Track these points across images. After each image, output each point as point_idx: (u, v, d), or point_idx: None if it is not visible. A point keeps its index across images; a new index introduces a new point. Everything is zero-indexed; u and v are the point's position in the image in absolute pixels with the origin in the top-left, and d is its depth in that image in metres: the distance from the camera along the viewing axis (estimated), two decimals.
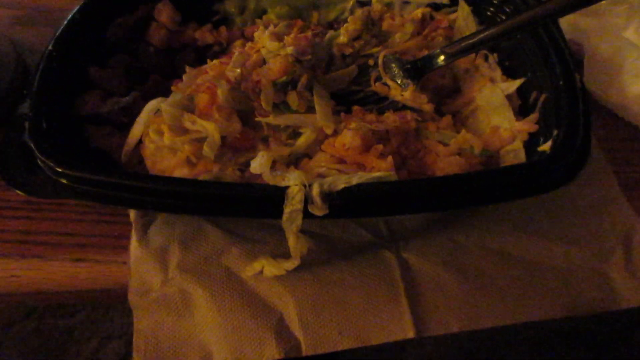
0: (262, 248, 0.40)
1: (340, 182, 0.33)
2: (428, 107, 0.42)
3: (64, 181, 0.35)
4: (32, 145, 0.35)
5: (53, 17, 0.57)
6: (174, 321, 0.37)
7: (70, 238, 0.41)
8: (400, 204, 0.33)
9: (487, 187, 0.33)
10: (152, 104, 0.38)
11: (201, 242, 0.40)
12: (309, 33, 0.43)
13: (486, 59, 0.46)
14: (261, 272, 0.38)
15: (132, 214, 0.41)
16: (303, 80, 0.40)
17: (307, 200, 0.33)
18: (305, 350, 0.36)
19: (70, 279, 0.39)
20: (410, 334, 0.36)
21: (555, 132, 0.37)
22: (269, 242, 0.40)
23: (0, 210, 0.42)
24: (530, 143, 0.40)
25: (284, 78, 0.39)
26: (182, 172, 0.37)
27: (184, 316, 0.37)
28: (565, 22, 0.41)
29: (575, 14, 0.43)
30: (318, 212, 0.32)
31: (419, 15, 0.47)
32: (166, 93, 0.42)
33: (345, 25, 0.44)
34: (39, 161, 0.35)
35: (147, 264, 0.39)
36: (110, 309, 1.11)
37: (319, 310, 0.37)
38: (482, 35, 0.40)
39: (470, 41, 0.41)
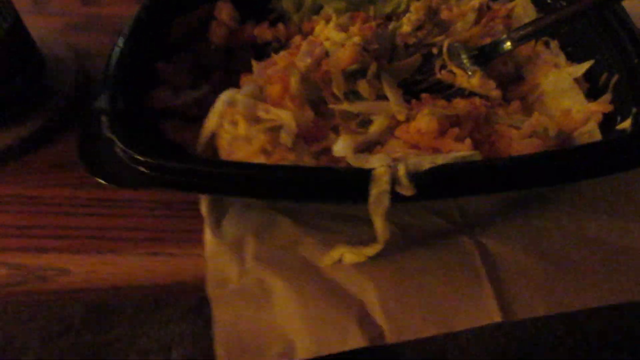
0: (337, 237, 0.39)
1: (426, 162, 0.33)
2: (496, 93, 0.42)
3: (145, 170, 0.35)
4: (112, 136, 0.36)
5: (105, 23, 0.58)
6: (254, 312, 0.37)
7: (144, 233, 0.41)
8: (487, 182, 0.33)
9: (575, 164, 0.33)
10: (226, 95, 0.39)
11: (275, 233, 0.40)
12: (373, 23, 0.43)
13: (547, 45, 0.46)
14: (340, 260, 0.37)
15: (204, 207, 0.41)
16: (373, 68, 0.40)
17: (394, 181, 0.32)
18: (389, 338, 0.35)
19: (147, 272, 0.39)
20: (497, 318, 0.35)
21: (634, 110, 0.37)
22: (344, 231, 0.40)
23: (72, 208, 0.42)
24: (606, 124, 0.39)
25: (354, 66, 0.39)
26: (258, 161, 0.37)
27: (264, 307, 0.37)
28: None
29: None
30: (407, 192, 0.32)
31: (476, 5, 0.47)
32: (231, 86, 0.43)
33: (407, 15, 0.44)
34: (118, 151, 0.35)
35: (223, 256, 0.39)
36: (145, 324, 1.11)
37: (401, 297, 0.36)
38: (548, 20, 0.40)
39: (537, 26, 0.41)
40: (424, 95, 0.41)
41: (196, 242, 0.40)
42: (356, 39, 0.41)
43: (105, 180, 0.35)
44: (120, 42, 0.41)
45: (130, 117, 0.38)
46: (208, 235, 0.40)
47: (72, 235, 0.41)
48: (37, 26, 0.55)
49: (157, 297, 0.39)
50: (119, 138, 0.35)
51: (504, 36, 0.42)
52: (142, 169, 0.34)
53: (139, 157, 0.34)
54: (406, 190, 0.32)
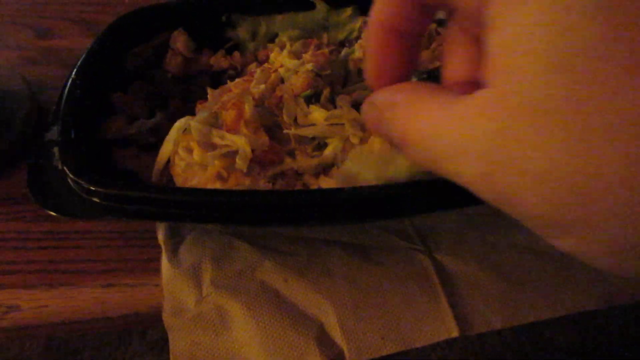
0: (295, 260, 0.39)
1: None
2: None
3: (97, 199, 0.34)
4: (63, 167, 0.35)
5: (61, 56, 0.58)
6: (212, 339, 0.36)
7: (99, 264, 0.40)
8: (438, 200, 0.34)
9: None
10: (180, 122, 0.39)
11: (233, 258, 0.40)
12: (326, 50, 0.44)
13: None
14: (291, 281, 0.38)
15: (161, 235, 0.41)
16: (326, 92, 0.41)
17: None
18: (349, 357, 0.35)
19: (102, 305, 0.38)
20: (455, 333, 0.36)
21: None
22: (302, 254, 0.40)
23: (22, 242, 0.41)
24: None
25: (308, 92, 0.40)
26: (214, 187, 0.37)
27: (222, 333, 0.36)
28: None
29: None
30: None
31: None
32: (186, 115, 0.43)
33: (359, 41, 0.46)
34: (70, 182, 0.35)
35: (181, 284, 0.38)
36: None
37: (360, 316, 0.37)
38: None
39: None
40: None
41: (153, 271, 0.40)
42: (309, 65, 0.42)
43: (56, 212, 0.34)
44: (74, 73, 0.41)
45: (82, 147, 0.37)
46: (165, 263, 0.39)
47: (22, 270, 0.40)
48: None
49: (114, 330, 0.37)
50: (70, 169, 0.35)
51: None
52: (95, 198, 0.34)
53: (91, 187, 0.34)
54: None
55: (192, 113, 0.43)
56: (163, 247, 0.40)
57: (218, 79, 0.49)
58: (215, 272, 0.39)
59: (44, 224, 0.42)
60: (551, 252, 0.40)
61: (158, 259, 0.40)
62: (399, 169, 0.33)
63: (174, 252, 0.40)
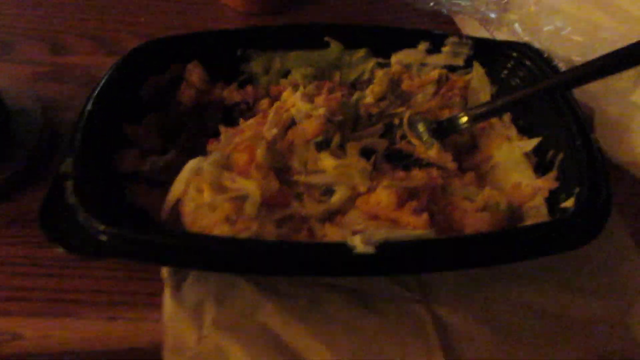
0: (296, 304, 0.40)
1: (380, 234, 0.34)
2: (452, 165, 0.44)
3: (106, 239, 0.35)
4: (75, 203, 0.36)
5: (75, 73, 0.59)
6: None
7: (102, 295, 0.41)
8: (438, 260, 0.35)
9: (524, 244, 0.35)
10: (193, 163, 0.39)
11: (235, 298, 0.40)
12: (339, 94, 0.45)
13: (500, 117, 0.49)
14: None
15: (165, 271, 0.41)
16: (336, 139, 0.42)
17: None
18: None
19: (104, 337, 0.39)
20: None
21: (577, 190, 0.39)
22: (303, 297, 0.40)
23: (28, 268, 0.42)
24: (551, 200, 0.42)
25: (319, 138, 0.41)
26: (222, 230, 0.38)
27: None
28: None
29: None
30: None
31: (436, 76, 0.50)
32: (198, 148, 0.44)
33: (371, 86, 0.46)
34: (81, 219, 0.36)
35: (182, 321, 0.39)
36: None
37: None
38: (503, 101, 0.43)
39: (493, 106, 0.43)
40: (383, 165, 0.43)
41: (156, 306, 0.40)
42: (322, 110, 0.43)
43: (64, 249, 0.35)
44: (90, 104, 0.41)
45: (95, 182, 0.38)
46: (168, 299, 0.40)
47: (27, 297, 0.40)
48: (3, 75, 0.55)
49: None
50: (82, 205, 0.35)
51: (462, 113, 0.44)
52: (104, 238, 0.35)
53: (101, 227, 0.34)
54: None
55: (203, 147, 0.44)
56: (166, 282, 0.40)
57: (230, 111, 0.50)
58: (218, 312, 0.39)
59: (50, 251, 0.42)
60: (545, 309, 0.41)
61: (161, 293, 0.40)
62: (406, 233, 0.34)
63: (177, 288, 0.40)
